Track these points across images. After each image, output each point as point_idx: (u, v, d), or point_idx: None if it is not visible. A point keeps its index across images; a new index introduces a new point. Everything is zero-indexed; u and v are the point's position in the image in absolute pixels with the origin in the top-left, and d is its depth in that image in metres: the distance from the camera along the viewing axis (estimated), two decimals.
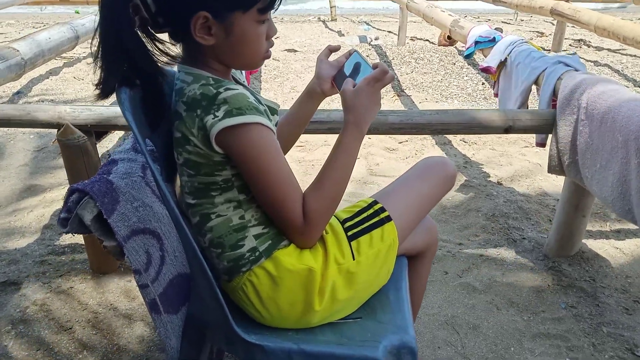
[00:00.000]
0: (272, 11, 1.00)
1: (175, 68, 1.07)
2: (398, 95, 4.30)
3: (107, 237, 0.99)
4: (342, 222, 1.12)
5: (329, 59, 1.22)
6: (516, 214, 2.47)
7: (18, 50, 1.93)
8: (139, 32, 0.95)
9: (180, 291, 1.13)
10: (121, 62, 0.94)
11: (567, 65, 1.96)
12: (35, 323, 1.76)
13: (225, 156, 0.97)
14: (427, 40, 6.55)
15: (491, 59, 2.36)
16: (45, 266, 2.07)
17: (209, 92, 0.95)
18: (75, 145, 1.69)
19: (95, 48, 0.95)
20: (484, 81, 4.68)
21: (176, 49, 1.05)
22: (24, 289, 1.92)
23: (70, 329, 1.75)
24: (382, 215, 1.13)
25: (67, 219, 1.00)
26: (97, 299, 1.89)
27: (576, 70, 1.93)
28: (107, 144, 3.24)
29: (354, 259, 1.08)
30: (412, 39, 6.54)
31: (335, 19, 8.39)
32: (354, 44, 6.24)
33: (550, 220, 2.41)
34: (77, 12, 9.03)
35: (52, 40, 2.22)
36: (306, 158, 3.10)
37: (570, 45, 6.17)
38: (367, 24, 8.32)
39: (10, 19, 8.07)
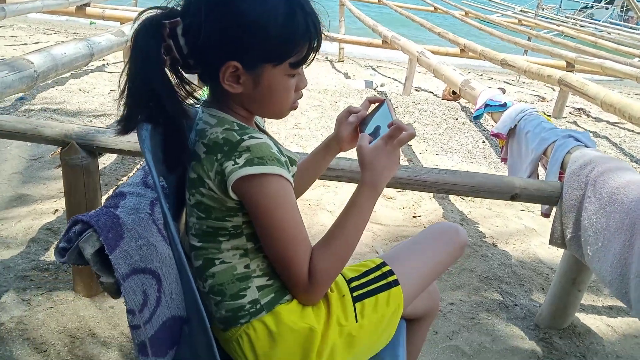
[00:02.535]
0: (305, 66, 0.99)
1: (197, 106, 1.05)
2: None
3: (106, 273, 0.96)
4: (349, 282, 1.09)
5: (349, 120, 1.20)
6: (510, 278, 2.45)
7: (32, 63, 1.92)
8: (167, 71, 0.94)
9: (172, 334, 1.09)
10: (147, 100, 0.92)
11: (577, 140, 1.97)
12: (9, 341, 1.69)
13: (239, 203, 0.95)
14: (431, 92, 6.64)
15: (502, 126, 2.38)
16: (27, 282, 2.00)
17: (232, 138, 0.93)
18: (78, 165, 1.66)
19: (123, 83, 0.93)
20: (484, 139, 4.73)
21: (202, 92, 1.04)
22: (2, 303, 1.85)
23: (44, 351, 1.68)
24: (390, 279, 1.10)
25: (66, 249, 0.96)
26: (76, 323, 1.82)
27: (586, 146, 1.94)
28: (104, 161, 3.20)
29: (357, 322, 1.04)
30: (416, 90, 6.63)
31: (343, 61, 8.52)
32: (360, 88, 6.32)
33: (544, 289, 2.39)
34: (93, 24, 9.10)
35: (68, 55, 2.21)
36: (303, 197, 3.08)
37: (570, 113, 6.28)
38: (374, 69, 8.46)
39: (22, 23, 8.11)
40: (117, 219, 0.96)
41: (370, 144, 1.02)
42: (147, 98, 0.91)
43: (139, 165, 3.23)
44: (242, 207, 0.96)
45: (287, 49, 0.93)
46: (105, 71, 5.64)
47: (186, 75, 0.98)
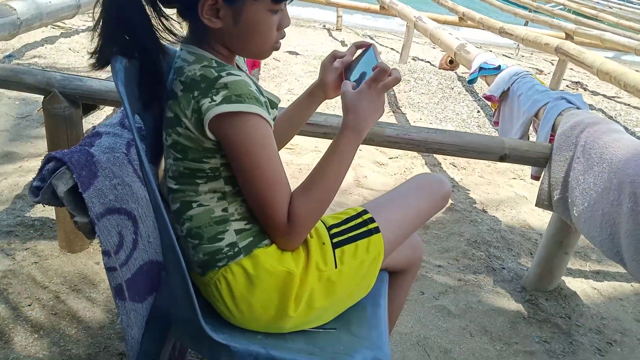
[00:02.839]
0: (287, 1, 0.95)
1: (177, 47, 1.02)
2: (393, 112, 4.28)
3: (80, 212, 0.94)
4: (329, 228, 1.08)
5: (333, 65, 1.16)
6: (498, 243, 2.45)
7: (15, 10, 1.86)
8: (145, 4, 0.90)
9: (149, 279, 1.07)
10: (122, 32, 0.89)
11: (570, 102, 1.95)
12: None
13: (217, 143, 0.92)
14: (428, 62, 6.56)
15: (495, 88, 2.35)
16: (12, 237, 1.98)
17: (209, 75, 0.90)
18: (60, 114, 1.63)
19: (97, 15, 0.90)
20: (479, 109, 4.69)
21: (182, 29, 1.00)
22: None
23: (29, 305, 1.67)
24: (371, 226, 1.08)
25: (40, 187, 0.94)
26: (61, 278, 1.81)
27: (578, 108, 1.91)
28: (93, 120, 3.16)
29: (336, 267, 1.03)
30: (413, 59, 6.55)
31: (340, 29, 8.39)
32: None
33: (532, 254, 2.40)
34: None
35: (52, 4, 2.15)
36: (294, 161, 3.06)
37: (567, 86, 6.23)
38: (371, 38, 8.34)
39: None
40: (91, 156, 0.94)
41: (354, 89, 1.00)
42: (122, 29, 0.88)
43: None
44: (220, 148, 0.93)
45: None
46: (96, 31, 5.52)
47: (166, 11, 0.94)
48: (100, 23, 0.90)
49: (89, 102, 1.69)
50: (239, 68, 1.04)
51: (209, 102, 0.88)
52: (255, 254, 0.98)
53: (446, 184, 1.21)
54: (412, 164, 3.29)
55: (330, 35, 7.85)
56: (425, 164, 3.33)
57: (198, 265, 1.01)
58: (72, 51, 4.62)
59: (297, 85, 4.58)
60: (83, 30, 5.41)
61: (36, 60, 4.22)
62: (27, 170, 2.51)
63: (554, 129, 1.92)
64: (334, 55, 1.15)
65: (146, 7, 0.91)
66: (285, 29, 1.00)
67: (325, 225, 1.08)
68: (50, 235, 2.01)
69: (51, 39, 4.86)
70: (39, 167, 0.99)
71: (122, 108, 1.25)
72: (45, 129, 1.71)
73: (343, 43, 7.18)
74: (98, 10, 0.90)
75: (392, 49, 7.38)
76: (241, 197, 0.99)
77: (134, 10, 0.88)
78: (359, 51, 1.16)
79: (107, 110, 3.26)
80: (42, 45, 4.65)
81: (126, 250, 0.99)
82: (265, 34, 0.96)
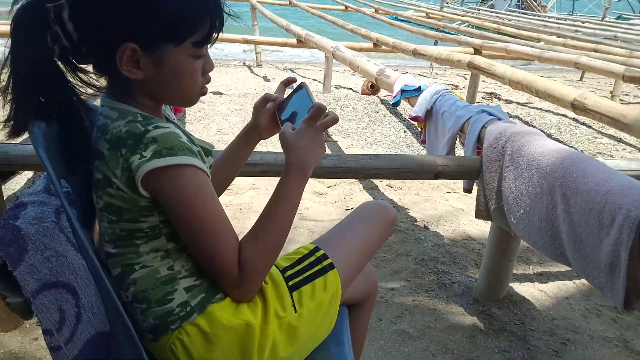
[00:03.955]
0: (208, 45, 0.94)
1: (98, 102, 0.97)
2: (325, 141, 4.33)
3: (12, 292, 0.86)
4: (282, 271, 1.05)
5: (266, 107, 1.15)
6: (444, 258, 2.49)
7: None
8: (58, 62, 0.86)
9: (99, 352, 0.99)
10: (36, 94, 0.84)
11: (490, 114, 2.04)
12: None
13: (152, 201, 0.88)
14: (350, 88, 6.72)
15: (418, 109, 2.42)
16: None
17: (136, 130, 0.86)
18: None
19: (5, 79, 0.84)
20: (405, 129, 4.84)
21: (103, 80, 0.95)
22: None
23: None
24: (325, 263, 1.06)
25: None
26: None
27: (499, 119, 2.01)
28: (13, 186, 2.96)
29: (295, 312, 1.00)
30: (336, 87, 6.69)
31: (261, 65, 8.46)
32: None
33: (477, 264, 2.46)
34: None
35: None
36: (234, 202, 3.00)
37: (482, 97, 6.57)
38: (292, 71, 8.46)
39: None
40: (17, 230, 0.87)
41: (293, 130, 0.99)
42: (36, 91, 0.83)
43: None
44: (157, 205, 0.89)
45: (187, 27, 0.87)
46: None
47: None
48: (10, 87, 0.84)
49: (6, 169, 1.58)
50: (166, 118, 1.01)
51: (139, 159, 0.84)
52: (209, 311, 0.94)
53: (390, 209, 1.22)
54: (350, 190, 3.32)
55: (252, 72, 7.89)
56: (363, 188, 3.37)
57: (149, 330, 0.95)
58: None
59: (225, 125, 4.54)
60: None
61: None
62: None
63: (479, 141, 2.00)
64: (266, 98, 1.14)
65: (59, 64, 0.86)
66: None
67: (279, 269, 1.05)
68: None
69: None
70: None
71: (45, 173, 1.18)
72: None
73: (265, 78, 7.24)
74: (6, 72, 0.84)
75: (313, 79, 7.51)
76: (186, 252, 0.94)
77: (46, 70, 0.83)
78: (289, 89, 1.15)
79: (28, 173, 3.08)
80: None
81: (69, 326, 0.91)
82: (190, 80, 0.93)
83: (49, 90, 0.84)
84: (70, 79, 0.88)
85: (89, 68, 0.92)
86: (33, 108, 0.85)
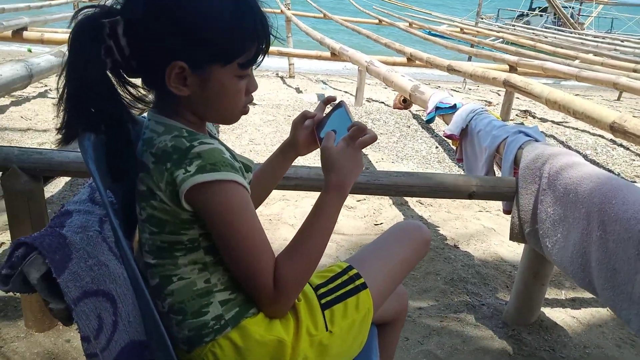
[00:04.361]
0: (254, 66, 0.96)
1: (145, 115, 1.00)
2: None
3: (55, 298, 0.88)
4: (315, 289, 1.05)
5: (304, 124, 1.16)
6: (474, 279, 2.46)
7: None
8: (110, 74, 0.89)
9: (132, 359, 1.02)
10: (88, 105, 0.87)
11: (528, 135, 2.01)
12: None
13: (194, 214, 0.90)
14: (382, 102, 6.72)
15: (454, 127, 2.41)
16: None
17: (181, 145, 0.88)
18: (21, 190, 1.56)
19: (60, 89, 0.87)
20: (437, 145, 4.80)
21: (151, 95, 0.98)
22: None
23: None
24: (358, 282, 1.07)
25: (10, 275, 0.88)
26: None
27: (536, 140, 1.98)
28: (52, 189, 3.05)
29: (327, 330, 1.00)
30: (367, 100, 6.70)
31: (294, 76, 8.54)
32: (312, 101, 6.33)
33: (508, 287, 2.42)
34: (30, 51, 8.79)
35: (4, 77, 2.10)
36: (263, 212, 3.03)
37: (517, 115, 6.48)
38: (324, 83, 8.51)
39: None
40: (63, 238, 0.89)
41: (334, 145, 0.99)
42: (88, 102, 0.86)
43: None
44: (198, 219, 0.91)
45: (235, 48, 0.89)
46: (47, 97, 5.43)
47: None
48: (64, 97, 0.87)
49: (50, 174, 1.63)
50: (210, 135, 1.03)
51: (184, 173, 0.86)
52: (243, 325, 0.95)
53: (425, 230, 1.21)
54: (380, 204, 3.31)
55: (284, 82, 7.97)
56: (393, 203, 3.35)
57: (183, 342, 0.96)
58: (24, 119, 4.51)
59: (257, 135, 4.59)
60: (34, 97, 5.30)
61: None
62: None
63: (515, 162, 1.97)
64: (305, 115, 1.16)
65: (111, 77, 0.89)
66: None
67: (312, 286, 1.06)
68: (15, 315, 1.90)
69: (1, 108, 4.73)
70: (5, 252, 0.93)
71: (90, 181, 1.21)
72: (5, 207, 1.63)
73: (298, 90, 7.30)
74: (61, 84, 0.87)
75: (345, 92, 7.54)
76: (223, 266, 0.96)
77: (98, 82, 0.87)
78: (329, 107, 1.17)
79: (65, 177, 3.16)
80: None
81: (106, 334, 0.93)
82: (234, 99, 0.95)
83: (100, 102, 0.87)
84: (120, 92, 0.91)
85: (138, 82, 0.95)
86: (84, 119, 0.88)
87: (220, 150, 0.89)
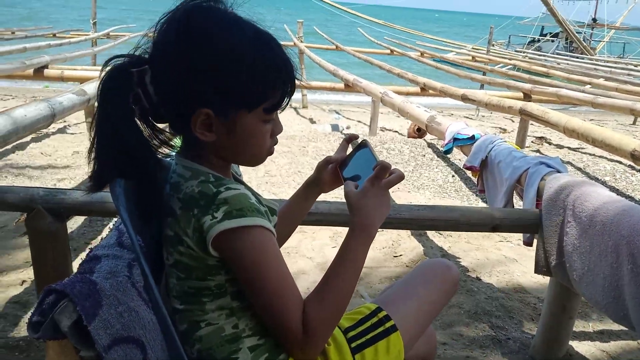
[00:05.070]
0: (279, 110, 0.97)
1: (171, 158, 1.01)
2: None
3: (85, 345, 0.88)
4: (345, 332, 1.04)
5: (328, 167, 1.17)
6: (498, 311, 2.41)
7: None
8: (138, 121, 0.90)
9: None
10: (118, 153, 0.88)
11: (549, 166, 1.99)
12: None
13: (220, 260, 0.90)
14: (396, 131, 6.74)
15: (473, 158, 2.40)
16: None
17: (208, 191, 0.89)
18: (46, 231, 1.58)
19: (92, 137, 0.89)
20: (453, 173, 4.78)
21: (176, 140, 0.99)
22: None
23: None
24: (388, 325, 1.05)
25: (40, 322, 0.88)
26: None
27: (558, 171, 1.96)
28: (71, 225, 3.08)
29: None
30: (381, 130, 6.72)
31: (307, 107, 8.63)
32: (326, 131, 6.37)
33: (533, 319, 2.36)
34: (47, 87, 9.01)
35: (29, 117, 2.14)
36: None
37: (532, 142, 6.45)
38: (337, 112, 8.57)
39: None
40: (93, 285, 0.89)
41: (356, 189, 0.99)
42: (119, 151, 0.87)
43: (108, 227, 3.12)
44: (224, 265, 0.90)
45: (261, 95, 0.90)
46: (67, 132, 5.53)
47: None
48: (95, 146, 0.88)
49: (74, 214, 1.65)
50: (235, 177, 1.03)
51: (211, 220, 0.86)
52: None
53: (454, 269, 1.20)
54: (398, 235, 3.28)
55: (298, 113, 8.05)
56: (411, 234, 3.32)
57: None
58: (44, 155, 4.59)
59: (273, 167, 4.61)
60: (54, 134, 5.40)
61: (7, 168, 4.16)
62: (7, 285, 2.40)
63: (538, 194, 1.95)
64: (328, 161, 1.16)
65: (140, 124, 0.91)
66: None
67: (341, 329, 1.04)
68: (38, 356, 1.89)
69: (21, 145, 4.82)
70: (36, 300, 0.93)
71: (117, 224, 1.22)
72: (30, 247, 1.65)
73: (311, 120, 7.36)
74: (91, 133, 0.89)
75: (359, 121, 7.58)
76: (251, 311, 0.95)
77: (128, 130, 0.88)
78: (350, 146, 1.17)
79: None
80: (13, 152, 4.60)
81: None
82: (259, 143, 0.96)
83: (130, 148, 0.88)
84: (148, 138, 0.92)
85: (165, 126, 0.96)
86: (115, 165, 0.89)
87: (246, 195, 0.90)
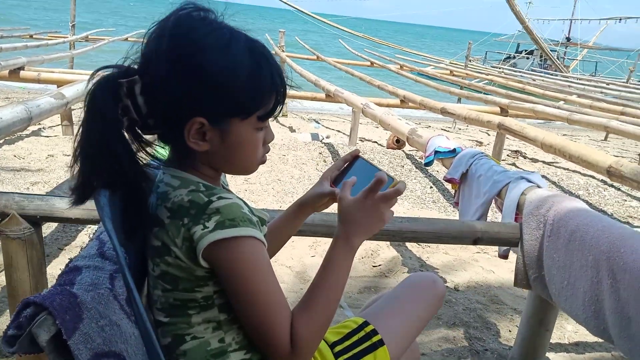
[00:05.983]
0: (271, 118, 0.96)
1: (156, 169, 0.99)
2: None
3: None
4: (331, 346, 1.02)
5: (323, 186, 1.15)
6: (476, 323, 2.42)
7: None
8: (125, 134, 0.88)
9: None
10: (105, 165, 0.85)
11: (530, 181, 2.02)
12: None
13: (209, 271, 0.88)
14: (375, 142, 6.78)
15: (454, 171, 2.42)
16: None
17: (199, 200, 0.87)
18: (20, 237, 1.53)
19: (76, 147, 0.86)
20: (431, 184, 4.82)
21: (162, 150, 0.97)
22: None
23: None
24: (374, 339, 1.04)
25: (16, 336, 0.85)
26: None
27: (539, 186, 1.99)
28: (45, 230, 2.99)
29: None
30: (361, 140, 6.75)
31: (286, 115, 8.62)
32: (306, 140, 6.36)
33: (510, 331, 2.38)
34: (22, 88, 8.82)
35: (5, 120, 2.08)
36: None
37: (508, 155, 6.55)
38: (317, 122, 8.59)
39: None
40: (74, 297, 0.86)
41: (352, 196, 0.97)
42: (105, 163, 0.84)
43: (82, 233, 3.05)
44: (212, 276, 0.88)
45: (255, 102, 0.89)
46: (41, 135, 5.41)
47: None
48: (80, 156, 0.86)
49: (51, 221, 1.60)
50: (224, 187, 1.02)
51: (202, 230, 0.84)
52: None
53: (440, 284, 1.20)
54: (377, 245, 3.28)
55: (278, 121, 8.01)
56: (390, 244, 3.32)
57: None
58: (17, 158, 4.47)
59: (252, 175, 4.52)
60: (27, 136, 5.27)
61: None
62: None
63: (518, 208, 1.97)
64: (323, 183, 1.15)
65: (127, 135, 0.88)
66: None
67: (327, 343, 1.03)
68: None
69: None
70: (12, 312, 0.90)
71: (98, 234, 1.19)
72: (2, 254, 1.59)
73: (291, 129, 7.35)
74: (76, 143, 0.86)
75: (338, 130, 7.60)
76: (237, 324, 0.93)
77: (116, 142, 0.85)
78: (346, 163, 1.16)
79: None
80: None
81: None
82: (252, 151, 0.95)
83: (116, 160, 0.86)
84: (135, 149, 0.89)
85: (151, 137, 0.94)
86: (100, 177, 0.86)
87: (239, 205, 0.88)
